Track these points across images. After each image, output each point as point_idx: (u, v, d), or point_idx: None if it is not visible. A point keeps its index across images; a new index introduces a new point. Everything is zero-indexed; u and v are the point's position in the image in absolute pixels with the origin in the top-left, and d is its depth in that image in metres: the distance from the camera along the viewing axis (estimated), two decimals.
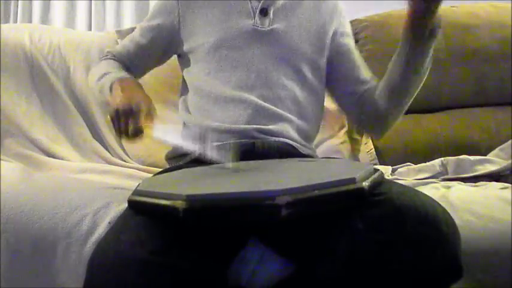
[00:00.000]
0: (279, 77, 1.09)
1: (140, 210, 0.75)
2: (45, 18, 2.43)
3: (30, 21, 2.43)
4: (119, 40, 1.65)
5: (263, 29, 1.11)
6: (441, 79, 1.65)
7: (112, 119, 0.90)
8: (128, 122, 0.87)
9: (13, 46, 1.49)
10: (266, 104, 1.07)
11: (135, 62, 1.20)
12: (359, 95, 1.16)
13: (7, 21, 2.43)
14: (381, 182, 0.76)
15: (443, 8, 1.84)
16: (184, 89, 1.18)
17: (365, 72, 1.19)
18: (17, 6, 2.44)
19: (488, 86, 1.67)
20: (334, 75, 1.18)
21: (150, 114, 0.89)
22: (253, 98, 1.06)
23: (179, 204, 0.65)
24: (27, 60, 1.49)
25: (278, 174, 0.83)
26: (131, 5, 2.44)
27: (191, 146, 0.90)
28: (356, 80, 1.17)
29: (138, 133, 0.86)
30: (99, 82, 1.09)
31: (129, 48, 1.20)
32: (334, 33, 1.17)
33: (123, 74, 1.10)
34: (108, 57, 1.20)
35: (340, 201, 0.67)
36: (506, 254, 0.89)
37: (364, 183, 0.68)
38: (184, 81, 1.19)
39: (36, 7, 2.43)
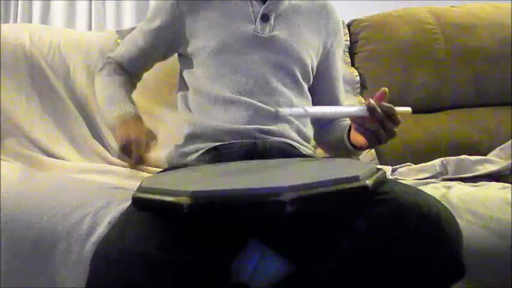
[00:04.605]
0: (277, 84, 1.10)
1: (144, 207, 0.74)
2: (45, 18, 2.43)
3: (30, 21, 2.42)
4: (119, 40, 1.65)
5: (263, 35, 1.11)
6: (441, 79, 1.65)
7: (119, 157, 1.10)
8: (131, 155, 1.00)
9: (13, 46, 1.49)
10: (266, 106, 1.07)
11: (136, 64, 1.23)
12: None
13: (7, 21, 2.42)
14: (384, 180, 0.76)
15: (443, 8, 1.85)
16: (182, 86, 1.18)
17: (342, 99, 1.23)
18: (17, 6, 2.44)
19: (488, 86, 1.67)
20: (313, 90, 1.19)
21: (148, 145, 1.02)
22: (252, 100, 1.06)
23: (184, 200, 0.65)
24: (27, 60, 1.49)
25: (282, 172, 0.83)
26: (131, 5, 2.44)
27: None
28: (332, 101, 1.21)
29: (140, 162, 1.01)
30: (104, 107, 1.16)
31: (131, 53, 1.21)
32: (328, 50, 1.20)
33: (125, 102, 1.12)
34: (111, 63, 1.22)
35: (344, 198, 0.67)
36: (506, 254, 0.89)
37: (367, 181, 0.67)
38: (182, 78, 1.18)
39: (36, 7, 2.43)
